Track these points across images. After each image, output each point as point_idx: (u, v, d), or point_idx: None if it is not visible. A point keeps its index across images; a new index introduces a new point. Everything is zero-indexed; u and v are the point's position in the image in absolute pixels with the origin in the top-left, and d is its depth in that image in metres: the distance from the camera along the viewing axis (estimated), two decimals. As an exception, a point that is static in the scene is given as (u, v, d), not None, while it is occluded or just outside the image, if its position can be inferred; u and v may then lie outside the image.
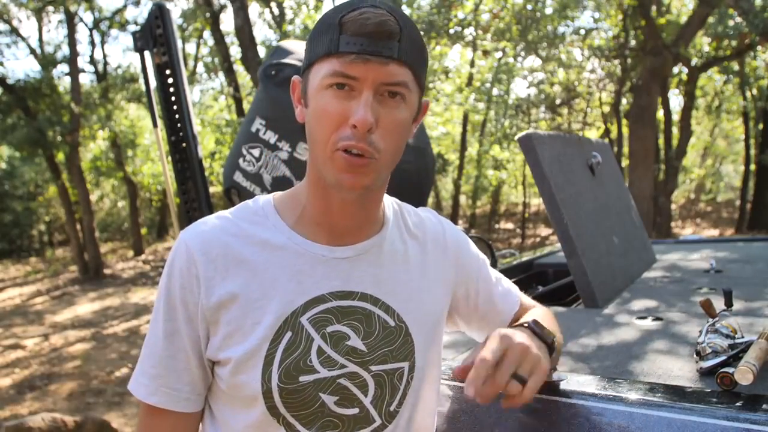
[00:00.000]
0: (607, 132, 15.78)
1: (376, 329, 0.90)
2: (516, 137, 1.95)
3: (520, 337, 0.83)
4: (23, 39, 12.95)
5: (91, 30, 13.94)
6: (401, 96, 0.82)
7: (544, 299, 2.10)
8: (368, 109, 0.78)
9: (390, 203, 1.02)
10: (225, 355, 0.86)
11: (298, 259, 0.88)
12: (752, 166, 15.43)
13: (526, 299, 1.13)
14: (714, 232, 14.70)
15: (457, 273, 1.03)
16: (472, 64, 13.92)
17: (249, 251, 0.88)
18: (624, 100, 14.06)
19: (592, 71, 14.20)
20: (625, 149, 13.48)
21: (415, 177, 2.53)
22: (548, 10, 10.95)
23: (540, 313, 1.06)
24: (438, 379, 1.02)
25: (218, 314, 0.86)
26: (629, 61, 11.85)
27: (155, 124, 2.64)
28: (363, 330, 0.89)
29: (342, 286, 0.89)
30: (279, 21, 12.52)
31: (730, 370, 0.95)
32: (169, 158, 2.60)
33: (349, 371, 0.88)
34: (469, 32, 11.50)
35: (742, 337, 1.09)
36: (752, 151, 15.66)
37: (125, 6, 13.13)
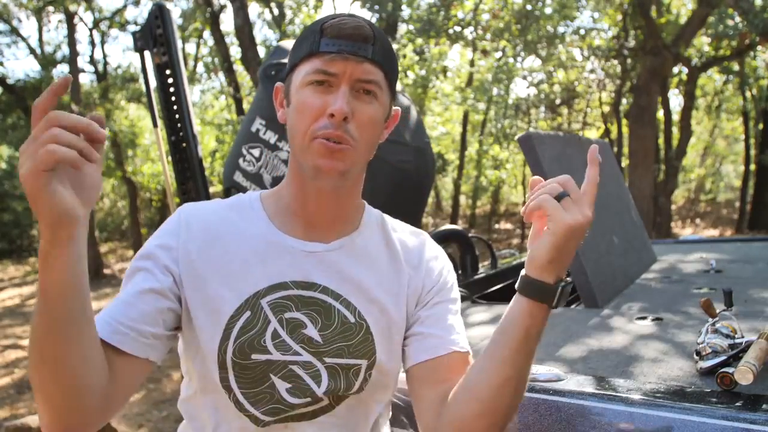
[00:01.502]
0: (607, 132, 15.77)
1: (335, 322, 0.93)
2: (516, 137, 1.95)
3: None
4: (23, 39, 12.97)
5: (91, 30, 13.92)
6: (374, 93, 0.90)
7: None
8: (345, 100, 0.86)
9: (374, 213, 1.05)
10: (193, 314, 0.90)
11: (268, 246, 0.94)
12: (752, 166, 15.42)
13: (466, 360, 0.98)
14: (714, 232, 14.70)
15: (423, 288, 1.01)
16: (472, 63, 13.92)
17: (226, 232, 0.94)
18: (624, 100, 14.06)
19: (592, 71, 14.19)
20: (625, 149, 13.48)
21: (415, 177, 2.53)
22: (548, 10, 10.94)
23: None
24: (392, 388, 1.01)
25: (190, 273, 0.91)
26: (629, 61, 11.85)
27: (155, 124, 2.64)
28: (321, 321, 0.93)
29: (305, 277, 0.94)
30: (279, 21, 12.52)
31: (730, 370, 0.95)
32: (169, 158, 2.60)
33: (303, 360, 0.92)
34: (469, 32, 11.50)
35: (742, 337, 1.09)
36: (752, 151, 15.65)
37: (125, 6, 13.13)
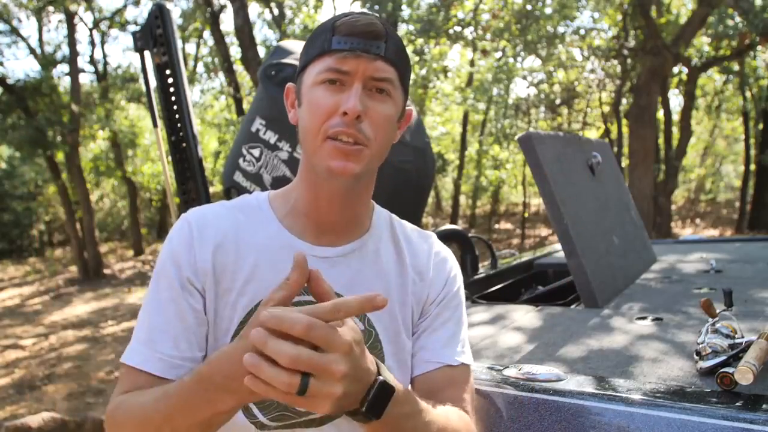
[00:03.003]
0: (607, 132, 15.77)
1: None
2: (516, 137, 1.95)
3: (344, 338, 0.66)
4: (23, 39, 12.94)
5: (91, 30, 13.93)
6: (387, 91, 0.88)
7: (544, 299, 2.10)
8: (357, 98, 0.84)
9: (383, 214, 1.04)
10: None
11: (279, 250, 0.92)
12: (752, 166, 15.43)
13: (465, 378, 0.97)
14: (714, 232, 14.70)
15: (428, 299, 1.00)
16: (472, 63, 13.93)
17: (236, 236, 0.93)
18: (624, 100, 14.06)
19: (592, 71, 14.20)
20: (625, 149, 13.48)
21: (415, 177, 2.53)
22: (548, 10, 10.95)
23: (453, 414, 0.89)
24: None
25: (206, 281, 0.90)
26: (629, 61, 11.85)
27: (155, 124, 2.64)
28: None
29: None
30: (279, 21, 12.52)
31: (730, 370, 0.95)
32: (169, 158, 2.60)
33: None
34: (469, 32, 11.51)
35: (742, 337, 1.09)
36: (752, 151, 15.66)
37: (125, 6, 13.13)
